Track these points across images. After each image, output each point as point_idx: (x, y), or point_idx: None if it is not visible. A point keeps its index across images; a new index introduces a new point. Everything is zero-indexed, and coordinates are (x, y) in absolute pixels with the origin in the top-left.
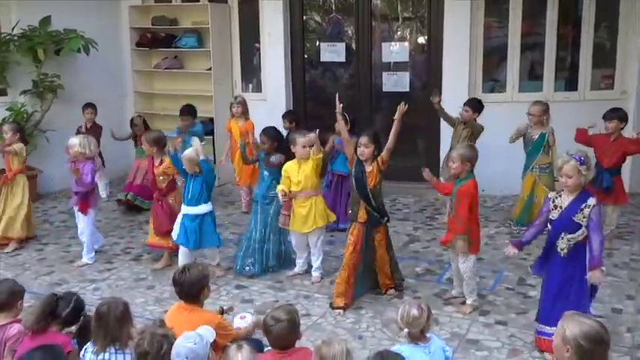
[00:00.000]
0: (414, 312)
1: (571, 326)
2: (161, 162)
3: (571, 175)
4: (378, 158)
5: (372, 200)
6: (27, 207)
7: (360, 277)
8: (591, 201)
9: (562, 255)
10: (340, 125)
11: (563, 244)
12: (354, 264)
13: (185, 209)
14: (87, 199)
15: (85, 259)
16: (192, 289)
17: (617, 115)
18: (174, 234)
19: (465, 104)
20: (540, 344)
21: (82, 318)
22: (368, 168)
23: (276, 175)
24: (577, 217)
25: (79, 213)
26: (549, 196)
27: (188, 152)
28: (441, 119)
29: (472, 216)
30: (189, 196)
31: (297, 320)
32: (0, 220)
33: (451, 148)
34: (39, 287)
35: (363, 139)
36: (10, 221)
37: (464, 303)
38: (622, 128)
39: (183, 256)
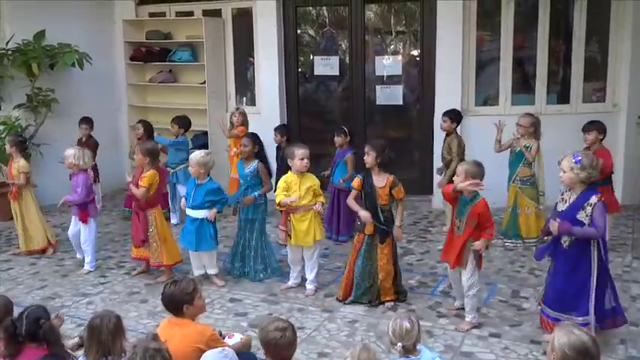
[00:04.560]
0: (406, 325)
1: (560, 335)
2: None
3: (565, 170)
4: (397, 187)
5: (381, 215)
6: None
7: (360, 282)
8: (593, 199)
9: (565, 246)
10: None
11: (565, 237)
12: (352, 265)
13: (188, 212)
14: (86, 208)
15: (87, 267)
16: (170, 303)
17: (595, 126)
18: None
19: (443, 114)
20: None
21: (41, 325)
22: (379, 182)
23: (250, 182)
24: (579, 215)
25: (80, 222)
26: (561, 188)
27: (201, 156)
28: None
29: (480, 231)
30: (192, 203)
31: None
32: (23, 235)
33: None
34: (32, 302)
35: (366, 147)
36: (35, 233)
37: (458, 315)
38: (601, 140)
39: (193, 258)
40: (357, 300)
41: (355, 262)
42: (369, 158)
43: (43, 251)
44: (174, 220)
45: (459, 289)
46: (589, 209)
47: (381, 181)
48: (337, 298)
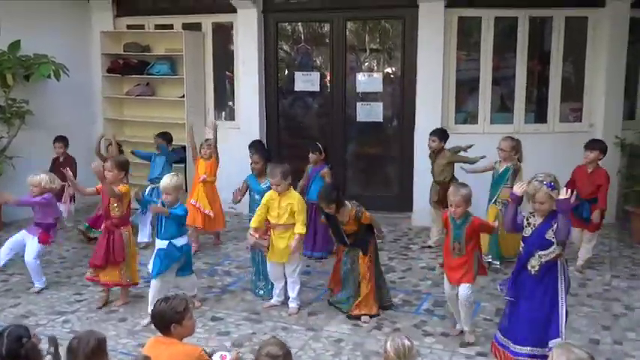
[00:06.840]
0: (407, 343)
1: (558, 353)
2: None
3: (544, 201)
4: (362, 216)
5: (347, 239)
6: None
7: (345, 284)
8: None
9: (533, 273)
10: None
11: (534, 262)
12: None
13: (160, 243)
14: (49, 231)
15: (38, 285)
16: (160, 321)
17: (599, 146)
18: (150, 267)
19: (430, 134)
20: (499, 355)
21: (24, 344)
22: (343, 219)
23: None
24: (548, 234)
25: (34, 241)
26: (523, 213)
27: (178, 180)
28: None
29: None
30: (163, 231)
31: (290, 353)
32: None
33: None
34: (5, 320)
35: (327, 205)
36: None
37: (462, 332)
38: (600, 159)
39: (153, 290)
40: (338, 304)
41: (341, 262)
42: (337, 210)
43: None
44: (145, 239)
45: (457, 308)
46: (555, 225)
47: (344, 217)
48: (329, 287)
